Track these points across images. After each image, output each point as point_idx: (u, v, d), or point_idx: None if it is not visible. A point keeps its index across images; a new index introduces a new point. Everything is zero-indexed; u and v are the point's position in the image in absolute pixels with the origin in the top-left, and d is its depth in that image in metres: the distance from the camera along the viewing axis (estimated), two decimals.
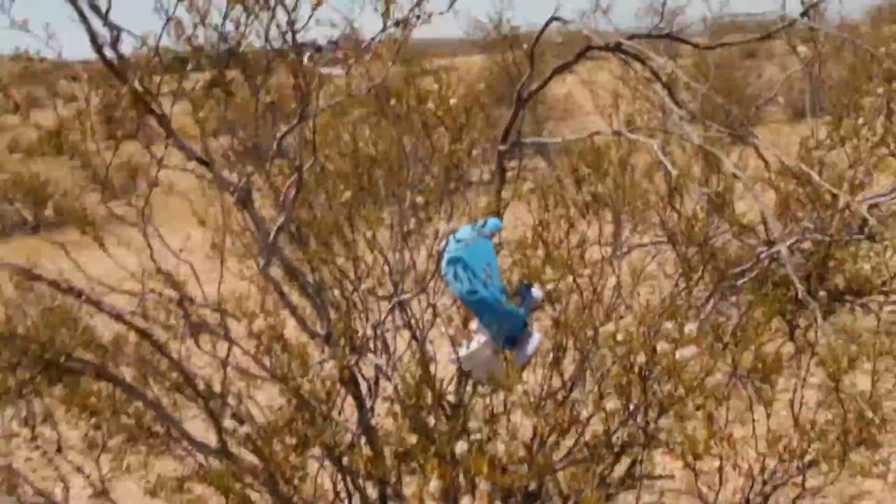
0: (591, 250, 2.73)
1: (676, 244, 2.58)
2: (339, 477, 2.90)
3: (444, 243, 2.39)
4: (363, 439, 2.67)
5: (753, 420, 2.74)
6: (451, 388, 2.87)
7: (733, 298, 3.04)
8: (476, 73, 22.01)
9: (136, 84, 2.03)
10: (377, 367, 2.59)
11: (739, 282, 2.80)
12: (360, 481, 2.79)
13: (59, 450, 3.04)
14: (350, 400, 2.76)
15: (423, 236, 2.86)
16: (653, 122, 3.33)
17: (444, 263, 2.36)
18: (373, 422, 2.67)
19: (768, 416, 2.63)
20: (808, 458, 2.52)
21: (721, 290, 2.61)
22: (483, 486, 2.69)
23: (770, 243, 2.83)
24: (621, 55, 2.38)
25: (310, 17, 2.36)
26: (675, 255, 2.69)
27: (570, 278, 2.51)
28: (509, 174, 2.96)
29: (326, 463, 2.87)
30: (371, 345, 2.72)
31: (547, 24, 2.70)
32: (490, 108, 14.77)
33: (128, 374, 2.86)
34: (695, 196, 2.96)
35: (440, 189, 2.79)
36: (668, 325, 1.69)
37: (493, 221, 2.49)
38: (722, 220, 2.94)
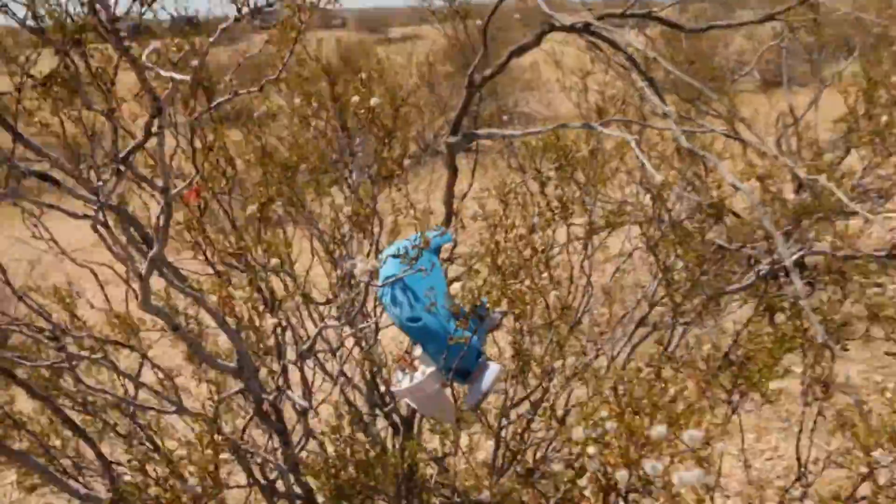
0: (558, 258, 2.38)
1: (657, 255, 2.23)
2: None
3: (374, 262, 1.99)
4: (291, 477, 2.30)
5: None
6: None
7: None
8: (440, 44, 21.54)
9: None
10: (301, 407, 2.20)
11: (734, 301, 2.45)
12: None
13: None
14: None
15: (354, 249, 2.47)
16: (629, 109, 2.91)
17: (378, 284, 1.98)
18: (302, 454, 2.31)
19: None
20: None
21: (713, 312, 2.26)
22: None
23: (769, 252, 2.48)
24: (590, 38, 2.01)
25: None
26: (655, 263, 2.33)
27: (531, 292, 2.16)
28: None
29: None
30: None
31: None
32: (452, 80, 14.29)
33: None
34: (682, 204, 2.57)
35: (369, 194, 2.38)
36: (660, 429, 1.32)
37: (437, 234, 2.12)
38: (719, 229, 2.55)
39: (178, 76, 1.29)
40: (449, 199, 2.42)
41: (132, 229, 1.64)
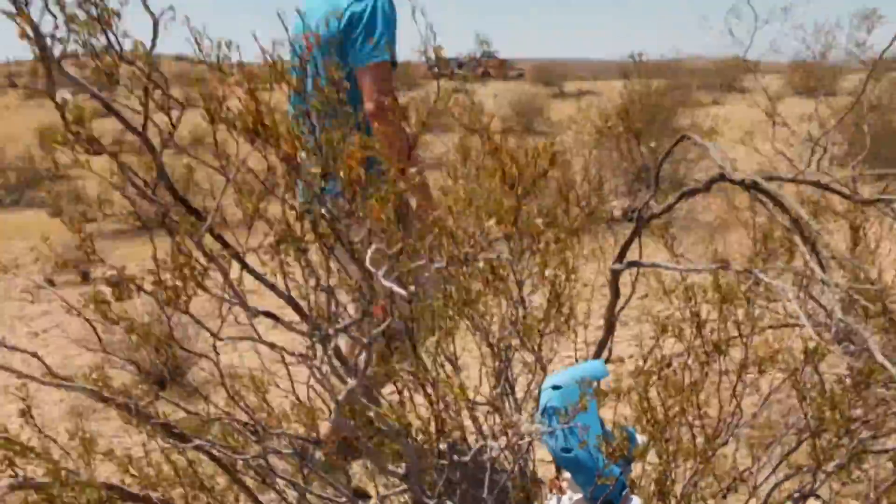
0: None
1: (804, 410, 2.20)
2: None
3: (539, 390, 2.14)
4: None
5: None
6: None
7: None
8: (616, 98, 21.51)
9: None
10: None
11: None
12: None
13: None
14: None
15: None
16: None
17: (538, 414, 2.12)
18: None
19: None
20: None
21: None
22: None
23: None
24: (757, 194, 2.09)
25: None
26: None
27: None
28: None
29: None
30: None
31: (675, 144, 2.42)
32: (626, 143, 14.15)
33: None
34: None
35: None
36: None
37: (595, 367, 2.24)
38: None
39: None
40: (608, 324, 2.55)
41: (338, 362, 1.84)
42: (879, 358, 1.62)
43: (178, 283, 1.77)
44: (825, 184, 2.05)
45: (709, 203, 10.25)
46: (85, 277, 9.59)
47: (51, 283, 9.47)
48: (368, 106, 3.11)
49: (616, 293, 2.55)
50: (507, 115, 25.93)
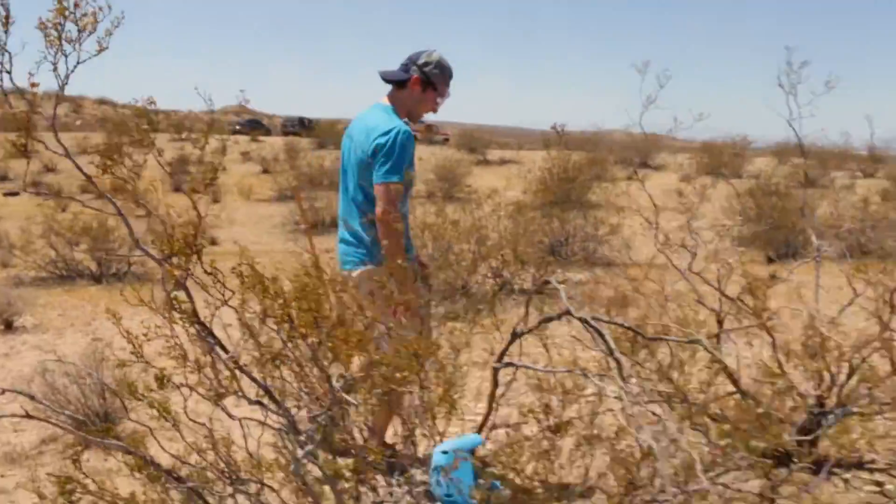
0: None
1: None
2: None
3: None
4: None
5: None
6: None
7: None
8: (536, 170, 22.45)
9: None
10: None
11: None
12: None
13: None
14: None
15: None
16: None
17: (430, 470, 3.06)
18: None
19: None
20: None
21: None
22: None
23: None
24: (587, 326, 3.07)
25: None
26: None
27: None
28: None
29: None
30: None
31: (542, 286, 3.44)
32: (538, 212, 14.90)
33: None
34: None
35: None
36: None
37: (473, 439, 3.20)
38: None
39: None
40: (488, 409, 3.51)
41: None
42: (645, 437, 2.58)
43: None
44: (641, 333, 3.05)
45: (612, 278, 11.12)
46: (8, 326, 9.94)
47: None
48: (377, 210, 4.24)
49: (495, 383, 3.51)
50: (429, 179, 27.00)
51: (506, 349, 3.41)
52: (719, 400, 4.70)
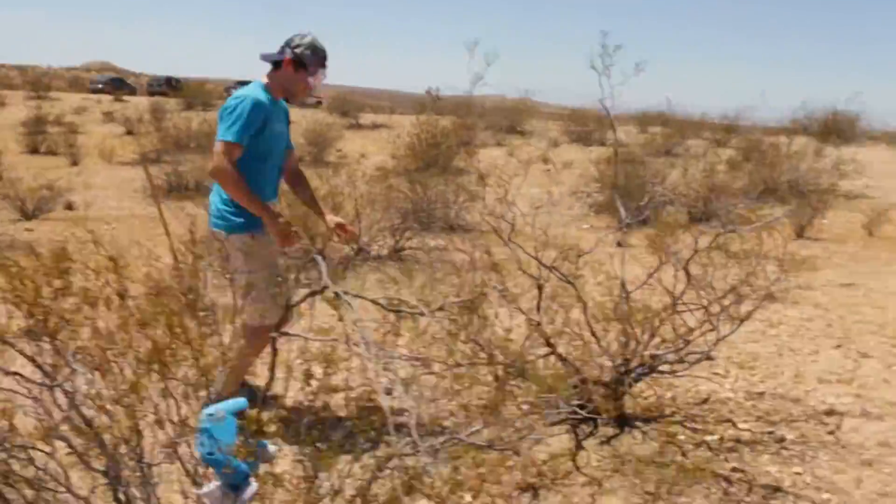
0: None
1: None
2: None
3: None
4: None
5: None
6: None
7: None
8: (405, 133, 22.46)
9: None
10: None
11: None
12: None
13: None
14: None
15: None
16: None
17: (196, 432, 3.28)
18: None
19: None
20: None
21: None
22: None
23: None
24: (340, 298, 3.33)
25: None
26: None
27: None
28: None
29: None
30: None
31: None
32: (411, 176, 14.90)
33: None
34: None
35: None
36: None
37: (239, 402, 3.43)
38: None
39: None
40: (272, 374, 3.76)
41: None
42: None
43: None
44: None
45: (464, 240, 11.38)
46: None
47: None
48: (209, 166, 4.74)
49: (274, 351, 3.77)
50: (299, 143, 26.56)
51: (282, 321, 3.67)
52: (534, 361, 5.12)
